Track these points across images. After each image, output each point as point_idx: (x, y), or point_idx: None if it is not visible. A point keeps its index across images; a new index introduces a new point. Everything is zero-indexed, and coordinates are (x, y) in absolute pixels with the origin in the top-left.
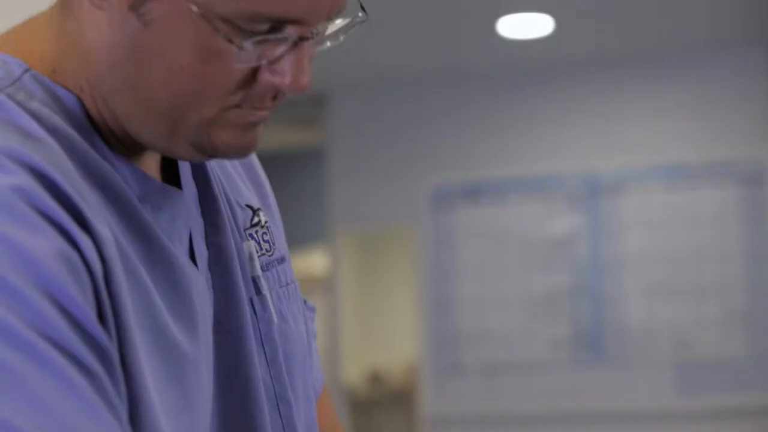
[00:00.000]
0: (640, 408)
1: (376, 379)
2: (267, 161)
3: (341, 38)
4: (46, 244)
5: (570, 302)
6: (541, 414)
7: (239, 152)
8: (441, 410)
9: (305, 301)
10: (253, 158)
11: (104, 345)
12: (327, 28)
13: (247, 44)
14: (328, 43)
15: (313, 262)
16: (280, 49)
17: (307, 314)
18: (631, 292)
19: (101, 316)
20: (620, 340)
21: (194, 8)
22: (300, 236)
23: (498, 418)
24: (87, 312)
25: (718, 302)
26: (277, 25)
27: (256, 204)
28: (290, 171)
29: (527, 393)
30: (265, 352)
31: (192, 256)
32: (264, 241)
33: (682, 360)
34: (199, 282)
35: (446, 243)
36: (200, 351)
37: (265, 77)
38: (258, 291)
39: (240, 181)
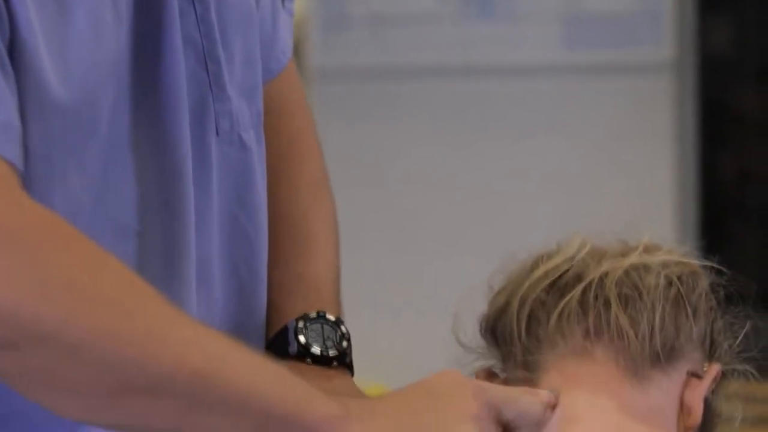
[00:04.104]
0: (527, 61)
1: None
2: None
3: None
4: None
5: None
6: (429, 67)
7: None
8: (328, 63)
9: None
10: None
11: None
12: None
13: None
14: None
15: None
16: None
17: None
18: None
19: None
20: None
21: None
22: None
23: (385, 71)
24: None
25: None
26: None
27: None
28: None
29: (415, 45)
30: (195, 10)
31: None
32: None
33: (570, 13)
34: None
35: None
36: None
37: None
38: None
39: None
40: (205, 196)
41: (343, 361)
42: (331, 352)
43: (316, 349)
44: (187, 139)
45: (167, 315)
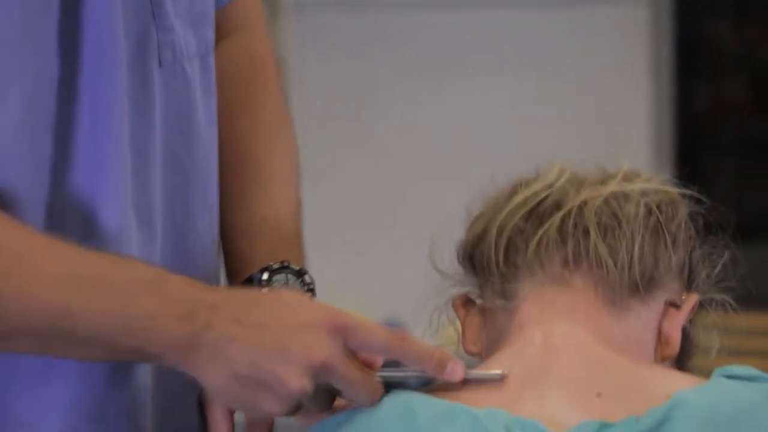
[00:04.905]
0: None
1: None
2: None
3: None
4: None
5: None
6: None
7: None
8: None
9: None
10: None
11: None
12: None
13: None
14: None
15: None
16: None
17: None
18: None
19: None
20: None
21: None
22: None
23: (363, 3)
24: None
25: None
26: None
27: None
28: None
29: None
30: None
31: None
32: None
33: None
34: None
35: None
36: None
37: None
38: None
39: None
40: (147, 132)
41: None
42: None
43: None
44: (121, 71)
45: (10, 262)
